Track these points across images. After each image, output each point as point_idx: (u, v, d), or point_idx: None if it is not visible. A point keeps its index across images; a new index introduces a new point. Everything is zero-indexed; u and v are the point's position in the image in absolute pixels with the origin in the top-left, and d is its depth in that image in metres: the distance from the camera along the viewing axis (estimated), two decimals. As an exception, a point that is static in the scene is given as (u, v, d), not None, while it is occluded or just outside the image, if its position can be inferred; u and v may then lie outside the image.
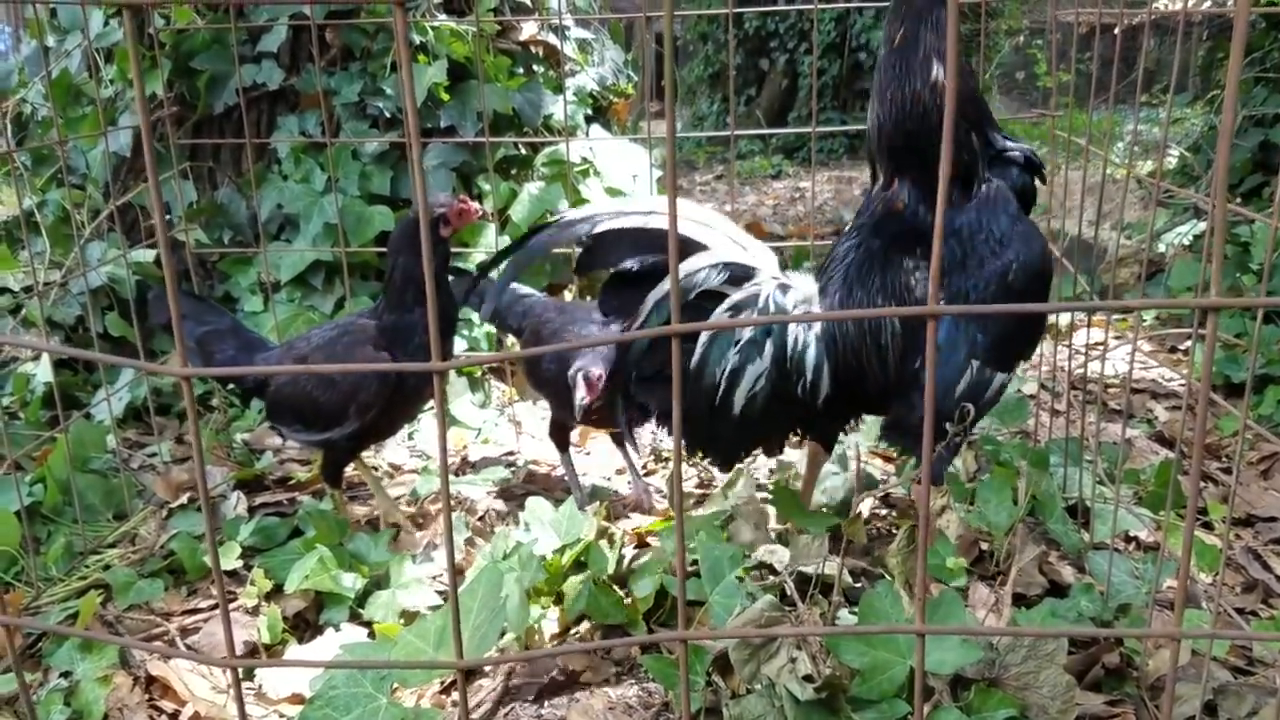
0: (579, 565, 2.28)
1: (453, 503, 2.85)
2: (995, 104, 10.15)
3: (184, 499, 2.80)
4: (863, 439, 3.11)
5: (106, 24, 3.69)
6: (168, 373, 0.82)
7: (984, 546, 2.44)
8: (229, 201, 3.78)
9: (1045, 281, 2.15)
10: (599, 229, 2.16)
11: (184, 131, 3.72)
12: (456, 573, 0.99)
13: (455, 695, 2.07)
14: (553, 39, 4.02)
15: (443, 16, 3.78)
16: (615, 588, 2.24)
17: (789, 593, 2.12)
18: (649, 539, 2.48)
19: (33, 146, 3.71)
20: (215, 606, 2.47)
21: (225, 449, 3.19)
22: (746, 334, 2.15)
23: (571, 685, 2.11)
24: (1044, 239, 2.16)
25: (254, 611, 2.40)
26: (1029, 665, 1.83)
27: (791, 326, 2.15)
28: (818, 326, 2.17)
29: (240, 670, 1.82)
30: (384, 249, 3.61)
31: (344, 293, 3.50)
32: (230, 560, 2.53)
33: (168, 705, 2.14)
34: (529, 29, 4.05)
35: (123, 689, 2.15)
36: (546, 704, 2.07)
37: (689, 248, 2.17)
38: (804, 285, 2.23)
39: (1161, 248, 4.98)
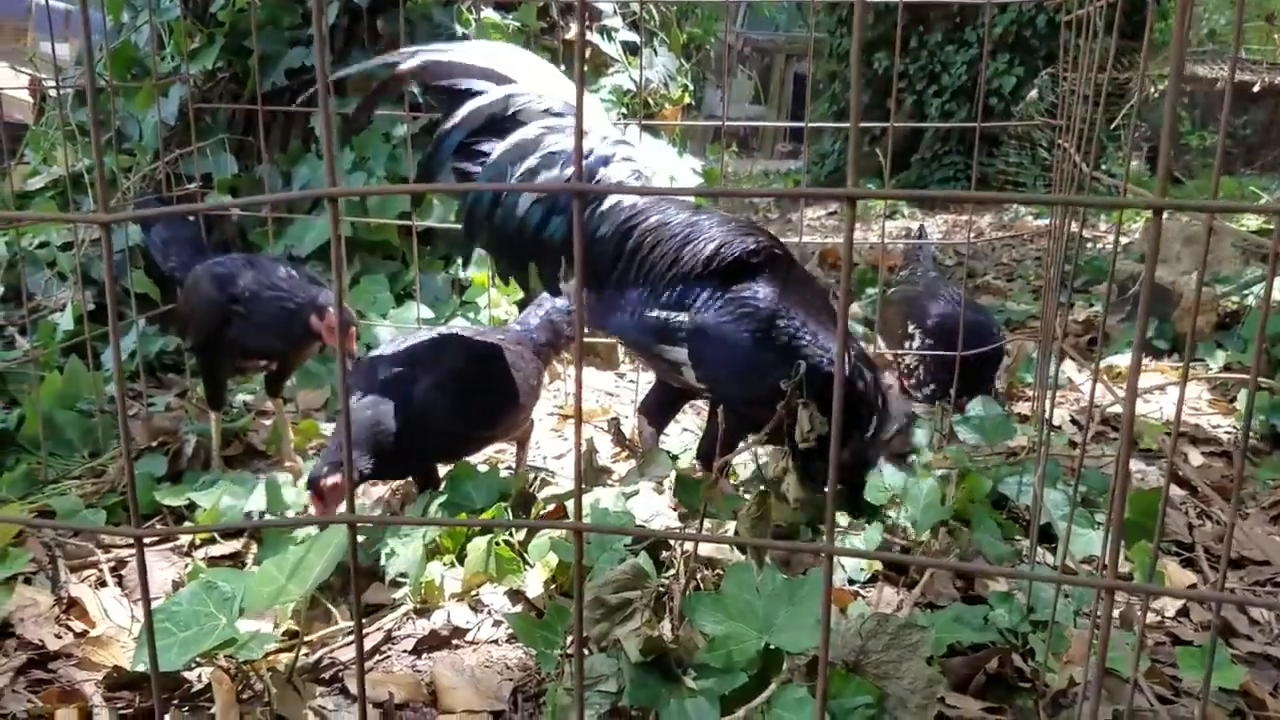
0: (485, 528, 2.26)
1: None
2: (1120, 150, 9.76)
3: (155, 443, 2.87)
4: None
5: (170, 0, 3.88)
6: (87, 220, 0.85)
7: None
8: (267, 176, 3.92)
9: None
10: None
11: (236, 106, 3.87)
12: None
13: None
14: (598, 39, 4.05)
15: (488, 10, 3.85)
16: (517, 552, 2.21)
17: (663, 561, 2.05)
18: (565, 505, 2.42)
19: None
20: (155, 543, 2.52)
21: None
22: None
23: (455, 642, 2.08)
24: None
25: (188, 551, 2.45)
26: (891, 654, 1.71)
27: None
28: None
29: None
30: (405, 224, 3.69)
31: (359, 269, 3.58)
32: (177, 499, 2.57)
33: (77, 624, 2.19)
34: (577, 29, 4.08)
35: (42, 605, 2.21)
36: (424, 656, 2.04)
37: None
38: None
39: (1251, 300, 4.69)
